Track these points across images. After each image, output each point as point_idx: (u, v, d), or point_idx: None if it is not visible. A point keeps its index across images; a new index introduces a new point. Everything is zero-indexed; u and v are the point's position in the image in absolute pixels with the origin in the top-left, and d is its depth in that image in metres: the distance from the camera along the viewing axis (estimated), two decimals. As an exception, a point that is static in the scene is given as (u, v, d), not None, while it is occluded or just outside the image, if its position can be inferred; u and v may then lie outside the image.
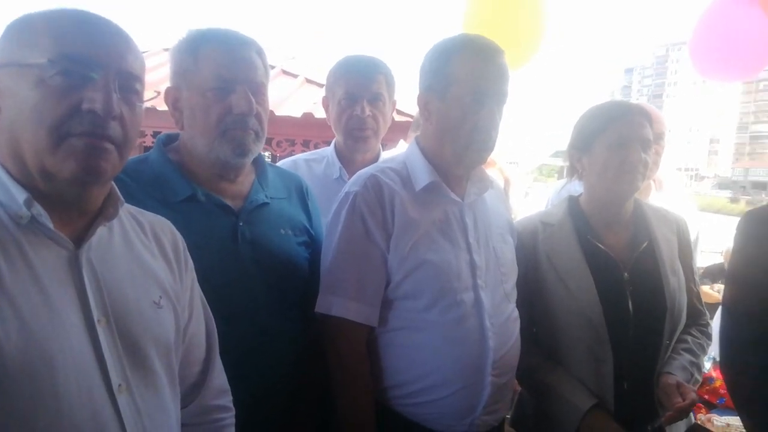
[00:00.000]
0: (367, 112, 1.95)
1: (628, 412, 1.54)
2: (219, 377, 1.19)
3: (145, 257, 1.05)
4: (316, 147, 4.52)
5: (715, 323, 1.67)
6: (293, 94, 5.14)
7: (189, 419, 1.12)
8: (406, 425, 1.45)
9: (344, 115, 1.98)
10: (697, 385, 1.60)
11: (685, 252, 1.73)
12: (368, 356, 1.46)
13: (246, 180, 1.49)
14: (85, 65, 0.90)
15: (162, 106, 1.44)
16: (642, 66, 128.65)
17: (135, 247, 1.05)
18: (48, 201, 0.91)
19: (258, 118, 1.40)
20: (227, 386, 1.20)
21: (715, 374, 2.48)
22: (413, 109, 3.57)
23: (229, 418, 1.19)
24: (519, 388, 1.77)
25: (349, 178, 1.73)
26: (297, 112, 4.55)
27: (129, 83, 0.95)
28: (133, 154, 1.13)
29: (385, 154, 2.14)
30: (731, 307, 1.49)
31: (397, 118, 2.13)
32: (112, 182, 1.00)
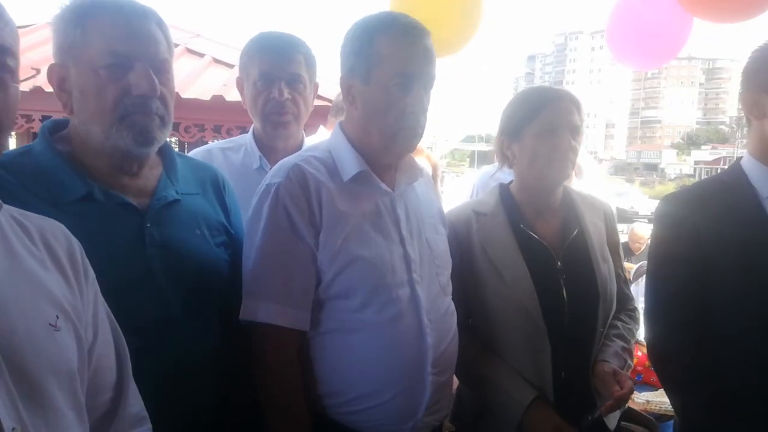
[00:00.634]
0: (286, 94, 1.80)
1: (567, 402, 1.54)
2: (135, 403, 1.03)
3: (35, 270, 0.89)
4: (228, 133, 4.30)
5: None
6: (200, 75, 4.87)
7: None
8: None
9: (260, 98, 1.82)
10: (631, 371, 1.62)
11: (613, 238, 1.75)
12: (300, 364, 1.36)
13: (151, 173, 1.31)
14: None
15: (51, 87, 1.24)
16: (543, 54, 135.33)
17: (20, 259, 0.87)
18: None
19: (162, 100, 1.23)
20: (145, 412, 1.05)
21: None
22: (332, 93, 3.45)
23: None
24: (457, 383, 1.73)
25: (270, 168, 1.60)
26: (206, 95, 4.29)
27: None
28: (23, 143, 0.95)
29: (309, 141, 2.00)
30: (656, 289, 1.53)
31: (316, 102, 2.01)
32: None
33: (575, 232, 1.65)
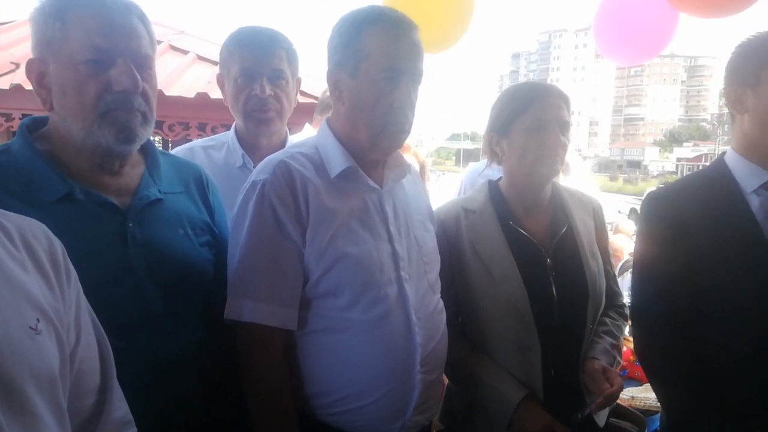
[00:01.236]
0: (268, 91, 1.76)
1: (557, 400, 1.53)
2: (119, 407, 1.00)
3: (14, 272, 0.85)
4: (213, 131, 4.23)
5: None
6: (184, 73, 4.79)
7: None
8: None
9: (242, 95, 1.78)
10: (619, 367, 1.62)
11: (602, 235, 1.75)
12: (287, 364, 1.33)
13: (133, 172, 1.28)
14: None
15: (30, 84, 1.20)
16: (528, 52, 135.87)
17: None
18: None
19: (145, 96, 1.20)
20: (130, 416, 1.02)
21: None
22: (317, 90, 3.41)
23: None
24: (446, 381, 1.72)
25: (254, 166, 1.57)
26: (190, 93, 4.22)
27: None
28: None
29: (293, 138, 1.97)
30: (642, 285, 1.53)
31: (301, 99, 1.98)
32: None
33: (564, 229, 1.64)
